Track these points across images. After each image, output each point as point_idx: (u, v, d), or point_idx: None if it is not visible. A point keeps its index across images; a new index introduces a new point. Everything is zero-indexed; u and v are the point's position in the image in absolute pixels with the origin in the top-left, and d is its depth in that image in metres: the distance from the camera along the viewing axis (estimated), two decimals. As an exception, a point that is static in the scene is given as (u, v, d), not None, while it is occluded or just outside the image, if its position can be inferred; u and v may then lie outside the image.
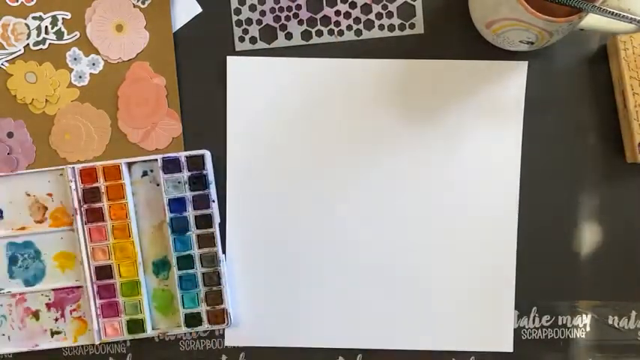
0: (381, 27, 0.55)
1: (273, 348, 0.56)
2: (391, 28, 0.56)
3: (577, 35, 0.55)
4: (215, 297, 0.55)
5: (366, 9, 0.55)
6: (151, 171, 0.56)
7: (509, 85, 0.55)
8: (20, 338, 0.56)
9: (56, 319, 0.56)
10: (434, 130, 0.55)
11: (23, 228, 0.56)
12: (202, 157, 0.54)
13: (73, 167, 0.54)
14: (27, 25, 0.55)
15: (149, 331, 0.55)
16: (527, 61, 0.55)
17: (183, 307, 0.55)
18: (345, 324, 0.56)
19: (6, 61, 0.55)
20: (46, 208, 0.56)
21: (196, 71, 0.56)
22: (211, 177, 0.55)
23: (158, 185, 0.55)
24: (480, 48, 0.55)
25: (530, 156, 0.55)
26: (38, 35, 0.55)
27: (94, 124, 0.56)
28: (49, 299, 0.56)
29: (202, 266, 0.55)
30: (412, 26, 0.55)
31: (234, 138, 0.56)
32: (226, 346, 0.56)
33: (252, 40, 0.56)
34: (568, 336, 0.56)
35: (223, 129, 0.56)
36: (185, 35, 0.56)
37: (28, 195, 0.56)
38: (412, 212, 0.56)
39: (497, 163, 0.55)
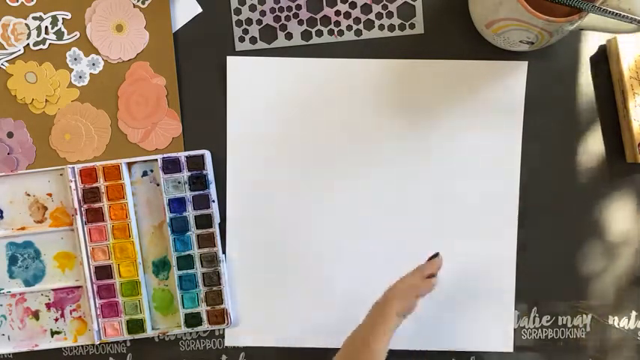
0: (381, 27, 0.55)
1: (273, 348, 0.56)
2: (391, 28, 0.56)
3: (577, 35, 0.55)
4: (215, 297, 0.55)
5: (366, 9, 0.55)
6: (151, 171, 0.56)
7: (509, 85, 0.55)
8: (20, 338, 0.56)
9: (56, 319, 0.56)
10: (434, 130, 0.55)
11: (23, 228, 0.56)
12: (202, 157, 0.54)
13: (73, 167, 0.54)
14: (27, 25, 0.55)
15: (149, 331, 0.55)
16: (527, 61, 0.55)
17: (183, 307, 0.55)
18: (346, 324, 0.56)
19: (6, 61, 0.55)
20: (46, 208, 0.56)
21: (196, 71, 0.56)
22: (211, 177, 0.55)
23: (158, 185, 0.55)
24: (480, 48, 0.55)
25: (530, 156, 0.55)
26: (38, 35, 0.55)
27: (94, 124, 0.56)
28: (49, 299, 0.56)
29: (202, 266, 0.55)
30: (412, 26, 0.55)
31: (234, 138, 0.56)
32: (226, 346, 0.56)
33: (252, 40, 0.56)
34: (568, 336, 0.56)
35: (223, 129, 0.56)
36: (185, 35, 0.56)
37: (28, 195, 0.56)
38: (413, 213, 0.56)
39: (497, 162, 0.55)
